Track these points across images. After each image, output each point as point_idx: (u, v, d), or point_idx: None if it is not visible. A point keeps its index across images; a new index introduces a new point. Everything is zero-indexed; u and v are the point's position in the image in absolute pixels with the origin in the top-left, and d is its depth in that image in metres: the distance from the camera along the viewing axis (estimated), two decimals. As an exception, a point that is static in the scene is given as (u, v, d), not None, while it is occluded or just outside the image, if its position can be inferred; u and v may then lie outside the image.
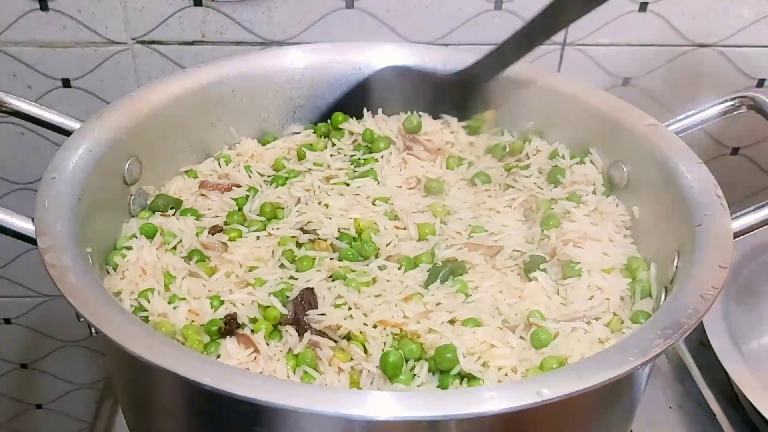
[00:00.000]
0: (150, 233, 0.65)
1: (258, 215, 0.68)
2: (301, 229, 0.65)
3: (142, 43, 0.87)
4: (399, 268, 0.62)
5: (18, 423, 1.18)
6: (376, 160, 0.73)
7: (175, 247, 0.64)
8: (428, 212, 0.68)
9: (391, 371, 0.53)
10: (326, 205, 0.67)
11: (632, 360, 0.47)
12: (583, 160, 0.72)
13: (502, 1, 0.86)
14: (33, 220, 0.55)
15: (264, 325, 0.57)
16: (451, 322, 0.57)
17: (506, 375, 0.55)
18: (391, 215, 0.67)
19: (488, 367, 0.55)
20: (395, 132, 0.76)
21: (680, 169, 0.64)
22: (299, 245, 0.64)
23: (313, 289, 0.59)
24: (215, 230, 0.66)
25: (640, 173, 0.68)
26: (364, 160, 0.74)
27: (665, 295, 0.60)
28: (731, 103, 0.68)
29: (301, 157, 0.74)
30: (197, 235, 0.65)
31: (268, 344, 0.56)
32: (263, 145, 0.77)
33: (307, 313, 0.57)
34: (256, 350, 0.55)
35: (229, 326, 0.57)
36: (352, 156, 0.75)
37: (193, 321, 0.58)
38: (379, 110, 0.78)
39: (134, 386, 0.58)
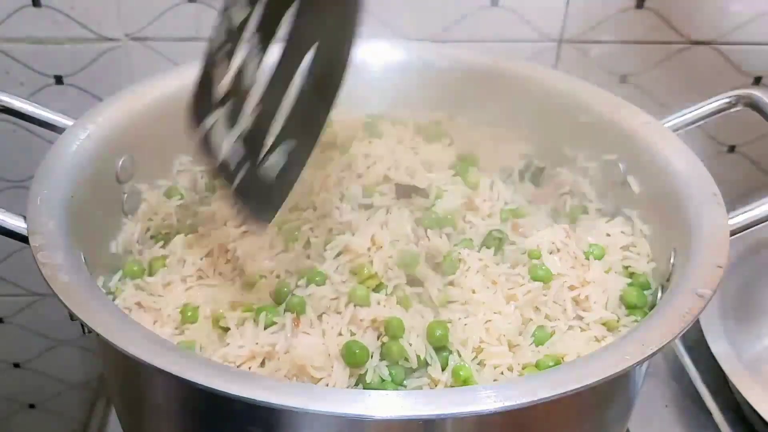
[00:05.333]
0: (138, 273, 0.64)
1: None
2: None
3: (136, 39, 0.86)
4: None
5: (11, 423, 1.17)
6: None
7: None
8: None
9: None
10: None
11: (628, 358, 0.47)
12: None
13: (498, -3, 0.86)
14: (25, 218, 0.55)
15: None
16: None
17: (502, 374, 0.55)
18: None
19: (484, 366, 0.55)
20: None
21: (676, 167, 0.64)
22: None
23: None
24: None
25: (636, 171, 0.68)
26: None
27: (662, 293, 0.60)
28: (728, 100, 0.68)
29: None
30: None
31: None
32: None
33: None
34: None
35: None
36: None
37: None
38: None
39: (128, 386, 0.58)
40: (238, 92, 0.52)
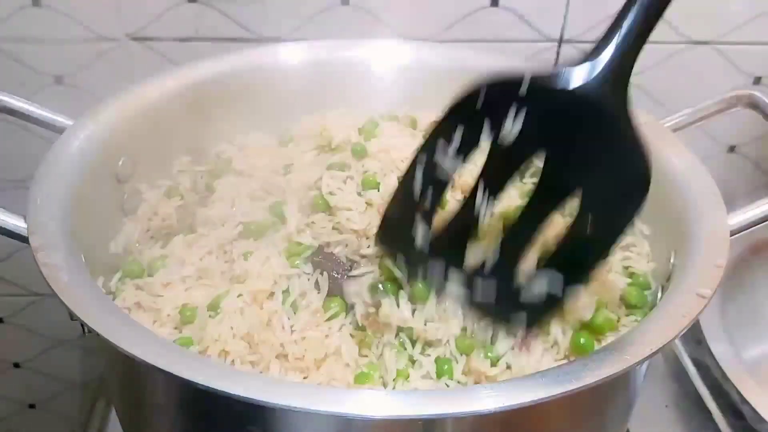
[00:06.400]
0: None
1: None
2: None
3: (136, 39, 0.86)
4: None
5: (11, 423, 1.17)
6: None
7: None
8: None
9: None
10: None
11: (628, 358, 0.47)
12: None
13: (498, -3, 0.86)
14: (25, 218, 0.55)
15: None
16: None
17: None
18: None
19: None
20: None
21: (676, 167, 0.64)
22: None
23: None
24: None
25: (637, 171, 0.68)
26: None
27: (661, 293, 0.60)
28: (728, 100, 0.68)
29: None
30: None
31: None
32: None
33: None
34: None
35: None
36: None
37: None
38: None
39: (128, 386, 0.58)
40: (462, 226, 0.54)
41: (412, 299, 0.57)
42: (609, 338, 0.57)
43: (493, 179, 0.53)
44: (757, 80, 0.92)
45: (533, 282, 0.52)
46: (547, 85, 0.51)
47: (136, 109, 0.68)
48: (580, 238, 0.50)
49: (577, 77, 0.50)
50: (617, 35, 0.50)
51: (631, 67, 0.51)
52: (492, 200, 0.54)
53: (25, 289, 1.04)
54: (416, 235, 0.55)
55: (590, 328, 0.56)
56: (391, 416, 0.43)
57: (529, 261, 0.52)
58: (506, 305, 0.53)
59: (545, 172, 0.52)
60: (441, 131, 0.54)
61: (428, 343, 0.56)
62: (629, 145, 0.49)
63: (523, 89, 0.51)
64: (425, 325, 0.57)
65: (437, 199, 0.55)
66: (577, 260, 0.51)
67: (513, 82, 0.51)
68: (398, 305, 0.57)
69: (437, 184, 0.55)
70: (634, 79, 0.91)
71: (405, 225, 0.55)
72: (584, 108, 0.50)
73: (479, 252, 0.54)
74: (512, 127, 0.51)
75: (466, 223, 0.54)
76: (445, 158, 0.54)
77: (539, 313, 0.53)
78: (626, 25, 0.50)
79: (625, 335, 0.51)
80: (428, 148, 0.55)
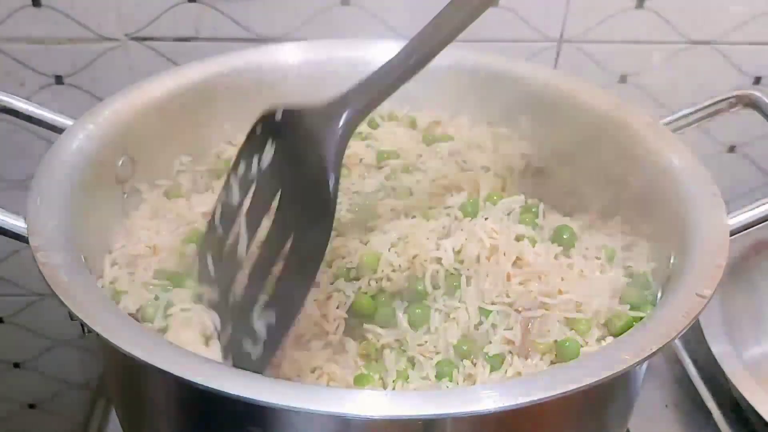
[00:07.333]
0: None
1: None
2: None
3: (136, 39, 0.86)
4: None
5: (10, 423, 1.17)
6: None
7: None
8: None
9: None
10: None
11: (628, 359, 0.47)
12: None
13: (498, -3, 0.86)
14: (25, 218, 0.55)
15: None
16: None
17: (506, 372, 0.55)
18: None
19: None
20: None
21: (676, 167, 0.64)
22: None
23: None
24: None
25: (637, 171, 0.68)
26: None
27: (662, 293, 0.60)
28: (728, 100, 0.68)
29: None
30: None
31: None
32: None
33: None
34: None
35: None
36: None
37: None
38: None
39: (127, 386, 0.58)
40: (233, 258, 0.55)
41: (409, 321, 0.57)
42: (608, 338, 0.58)
43: (253, 213, 0.54)
44: (757, 80, 0.92)
45: (262, 315, 0.51)
46: (292, 120, 0.53)
47: (136, 110, 0.68)
48: (288, 278, 0.51)
49: (313, 119, 0.52)
50: (365, 93, 0.54)
51: (356, 127, 0.53)
52: (251, 234, 0.54)
53: (25, 289, 1.04)
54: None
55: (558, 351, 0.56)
56: (390, 416, 0.43)
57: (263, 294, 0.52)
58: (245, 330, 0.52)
59: (278, 209, 0.52)
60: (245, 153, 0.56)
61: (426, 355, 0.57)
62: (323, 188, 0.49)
63: (277, 118, 0.53)
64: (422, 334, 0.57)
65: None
66: (290, 295, 0.51)
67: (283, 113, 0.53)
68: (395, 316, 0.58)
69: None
70: (634, 79, 0.92)
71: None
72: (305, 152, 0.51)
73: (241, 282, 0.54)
74: (264, 161, 0.54)
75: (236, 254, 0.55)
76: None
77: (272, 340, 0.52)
78: (376, 86, 0.54)
79: (625, 336, 0.51)
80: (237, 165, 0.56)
